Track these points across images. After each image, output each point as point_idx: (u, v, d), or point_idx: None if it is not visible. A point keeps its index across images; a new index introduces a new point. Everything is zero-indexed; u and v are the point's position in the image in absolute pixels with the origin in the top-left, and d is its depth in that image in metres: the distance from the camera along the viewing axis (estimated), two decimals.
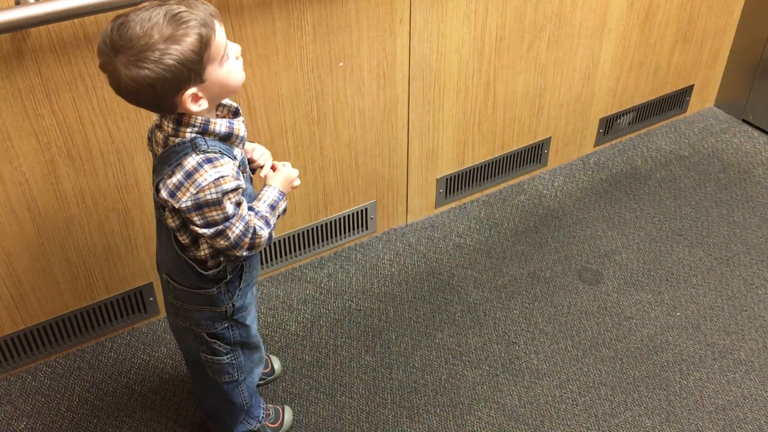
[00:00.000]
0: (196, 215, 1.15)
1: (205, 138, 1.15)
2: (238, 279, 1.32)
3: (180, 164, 1.13)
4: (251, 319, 1.41)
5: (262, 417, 1.57)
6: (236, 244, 1.19)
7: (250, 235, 1.20)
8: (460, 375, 1.75)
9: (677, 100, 2.58)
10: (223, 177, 1.13)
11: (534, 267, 2.04)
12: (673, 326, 1.88)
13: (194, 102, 1.11)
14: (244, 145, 1.24)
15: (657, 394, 1.71)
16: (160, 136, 1.17)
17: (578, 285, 1.99)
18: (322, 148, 1.84)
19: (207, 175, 1.12)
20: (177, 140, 1.15)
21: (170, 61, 1.05)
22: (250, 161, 1.33)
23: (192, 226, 1.17)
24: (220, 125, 1.17)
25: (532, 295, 1.96)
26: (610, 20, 2.15)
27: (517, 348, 1.82)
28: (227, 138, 1.18)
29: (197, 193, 1.12)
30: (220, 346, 1.39)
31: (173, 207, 1.15)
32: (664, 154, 2.47)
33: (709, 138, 2.54)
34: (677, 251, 2.10)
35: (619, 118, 2.46)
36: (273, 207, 1.28)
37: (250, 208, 1.24)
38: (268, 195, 1.28)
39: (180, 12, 1.06)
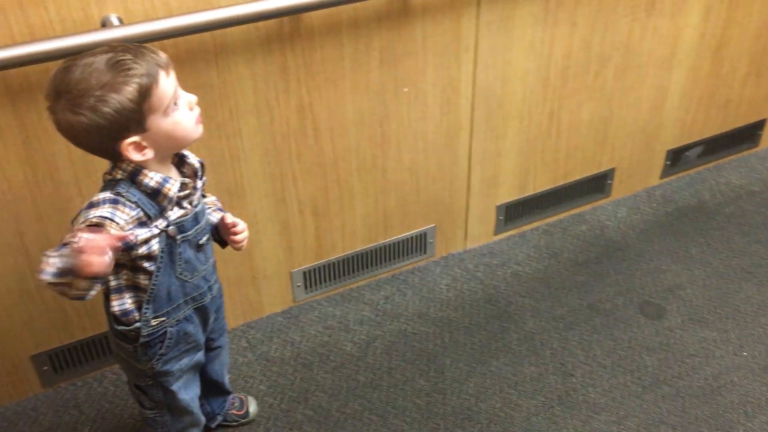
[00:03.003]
0: None
1: (132, 185, 1.13)
2: (158, 344, 1.27)
3: (95, 195, 1.12)
4: (180, 386, 1.35)
5: None
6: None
7: None
8: (515, 405, 1.73)
9: (749, 134, 2.51)
10: (110, 221, 1.07)
11: (594, 298, 2.01)
12: (739, 366, 1.81)
13: (137, 151, 1.10)
14: (173, 206, 1.18)
15: None
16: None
17: (640, 319, 1.95)
18: (384, 171, 1.87)
19: (99, 211, 1.08)
20: (108, 177, 1.16)
21: (106, 109, 1.04)
22: (231, 226, 1.28)
23: None
24: (150, 179, 1.13)
25: (591, 327, 1.92)
26: (680, 50, 2.12)
27: (574, 380, 1.79)
28: (154, 195, 1.14)
29: (83, 224, 1.07)
30: (144, 400, 1.36)
31: None
32: (733, 188, 2.41)
33: None
34: (745, 289, 2.03)
35: (687, 150, 2.41)
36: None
37: None
38: None
39: (123, 59, 1.05)
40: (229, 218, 1.31)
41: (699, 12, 2.08)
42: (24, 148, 1.43)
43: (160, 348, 1.28)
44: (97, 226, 1.06)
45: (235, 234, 1.31)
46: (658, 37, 2.05)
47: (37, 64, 1.30)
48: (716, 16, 2.11)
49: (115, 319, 1.26)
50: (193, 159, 1.25)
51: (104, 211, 1.10)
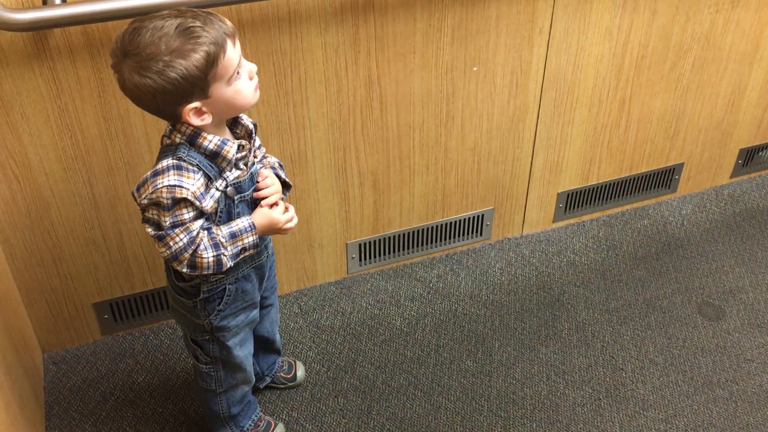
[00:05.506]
0: (149, 212, 1.17)
1: (192, 148, 1.16)
2: (217, 300, 1.30)
3: (157, 162, 1.17)
4: (235, 342, 1.38)
5: (248, 428, 1.55)
6: (176, 256, 1.17)
7: (191, 251, 1.17)
8: (561, 393, 1.72)
9: None
10: (180, 187, 1.13)
11: (651, 295, 1.97)
12: None
13: (197, 116, 1.13)
14: (232, 168, 1.21)
15: None
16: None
17: (697, 319, 1.90)
18: (446, 149, 1.86)
19: (166, 180, 1.13)
20: (168, 141, 1.18)
21: (173, 74, 1.06)
22: (258, 188, 1.28)
23: (143, 223, 1.18)
24: (209, 141, 1.16)
25: (646, 323, 1.89)
26: (763, 46, 2.04)
27: (623, 374, 1.76)
28: (213, 156, 1.17)
29: (152, 193, 1.14)
30: (199, 354, 1.39)
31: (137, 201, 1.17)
32: None
33: None
34: None
35: (762, 150, 2.32)
36: (234, 235, 1.22)
37: (208, 229, 1.20)
38: (237, 223, 1.23)
39: (192, 26, 1.06)
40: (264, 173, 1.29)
41: None
42: (99, 102, 1.47)
43: (219, 304, 1.31)
44: (190, 203, 1.16)
45: (264, 188, 1.28)
46: (740, 31, 1.97)
47: (119, 20, 1.34)
48: None
49: (176, 275, 1.30)
50: (247, 120, 1.27)
51: (171, 178, 1.14)
